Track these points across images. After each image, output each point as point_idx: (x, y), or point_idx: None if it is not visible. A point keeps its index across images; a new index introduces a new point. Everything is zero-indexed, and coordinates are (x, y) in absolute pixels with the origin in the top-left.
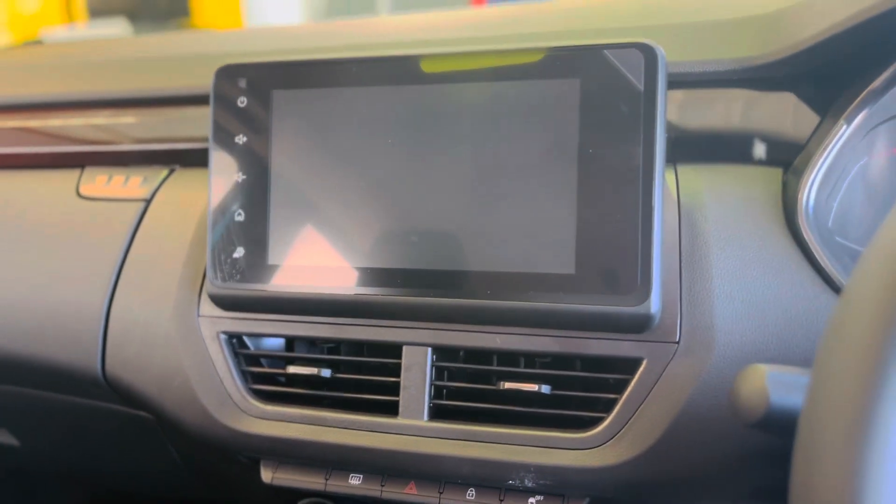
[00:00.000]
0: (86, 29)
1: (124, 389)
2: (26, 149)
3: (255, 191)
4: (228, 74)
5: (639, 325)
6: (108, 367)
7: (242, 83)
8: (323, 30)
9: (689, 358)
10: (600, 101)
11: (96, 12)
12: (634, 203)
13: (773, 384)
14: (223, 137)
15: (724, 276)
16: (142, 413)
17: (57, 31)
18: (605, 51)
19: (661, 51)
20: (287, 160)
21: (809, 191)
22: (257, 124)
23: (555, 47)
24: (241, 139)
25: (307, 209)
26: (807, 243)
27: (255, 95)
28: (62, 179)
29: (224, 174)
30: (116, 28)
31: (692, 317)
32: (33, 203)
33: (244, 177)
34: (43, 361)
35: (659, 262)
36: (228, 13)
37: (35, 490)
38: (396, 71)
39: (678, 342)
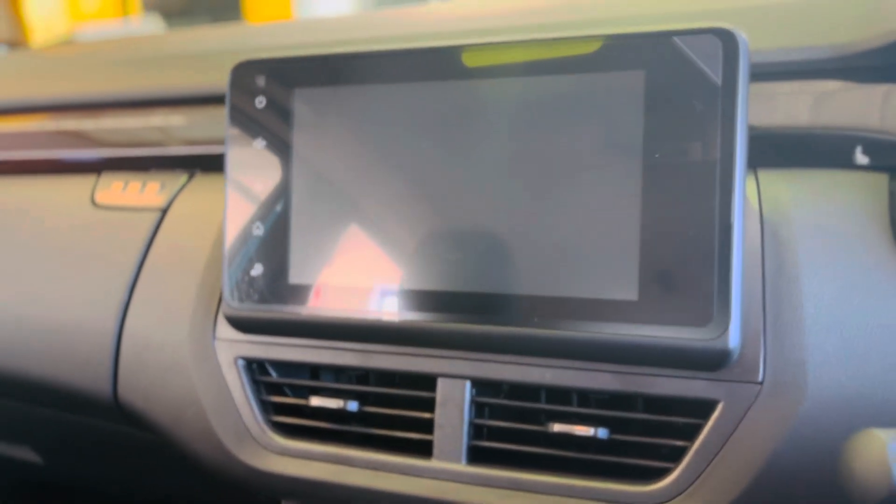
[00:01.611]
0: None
1: (137, 416)
2: (42, 153)
3: (275, 202)
4: (246, 71)
5: (715, 362)
6: (120, 392)
7: (261, 81)
8: (371, 20)
9: (774, 401)
10: (669, 97)
11: (151, 8)
12: (710, 216)
13: None
14: (240, 141)
15: (818, 304)
16: (159, 439)
17: (88, 29)
18: (675, 38)
19: (742, 37)
20: (310, 167)
21: None
22: (278, 127)
23: (616, 35)
24: (259, 143)
25: (333, 222)
26: None
27: (275, 94)
28: (78, 186)
29: (241, 183)
30: (150, 25)
31: (779, 352)
32: (47, 212)
33: (263, 186)
34: (56, 383)
35: (740, 286)
36: (279, 6)
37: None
38: (433, 65)
39: (761, 382)
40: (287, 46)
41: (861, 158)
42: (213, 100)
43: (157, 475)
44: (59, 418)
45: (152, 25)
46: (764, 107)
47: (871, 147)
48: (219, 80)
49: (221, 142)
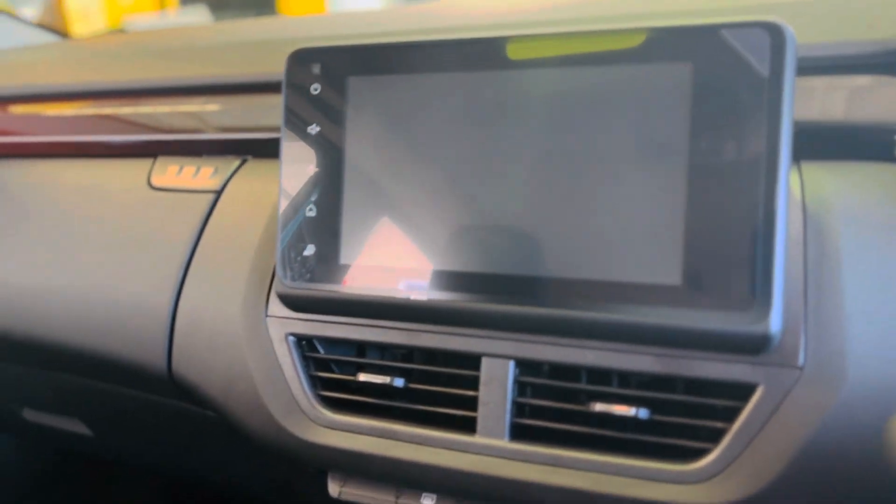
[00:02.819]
0: (168, 17)
1: (190, 389)
2: (101, 137)
3: (328, 185)
4: (301, 59)
5: (756, 346)
6: (174, 365)
7: (316, 69)
8: (406, 13)
9: (814, 387)
10: (716, 88)
11: (187, 1)
12: (754, 204)
13: None
14: (295, 127)
15: (860, 293)
16: (210, 413)
17: (140, 19)
18: (722, 30)
19: (790, 31)
20: (362, 152)
21: None
22: (332, 113)
23: (662, 28)
24: (314, 129)
25: (383, 205)
26: None
27: (329, 82)
28: (135, 169)
29: (295, 166)
30: (198, 16)
31: (819, 339)
32: (105, 193)
33: (317, 169)
34: (111, 357)
35: (782, 272)
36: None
37: (113, 477)
38: (480, 55)
39: (802, 367)
40: (335, 37)
41: None
42: (266, 87)
43: (201, 452)
44: (111, 392)
45: (199, 17)
46: (806, 100)
47: None
48: (270, 69)
49: (273, 129)
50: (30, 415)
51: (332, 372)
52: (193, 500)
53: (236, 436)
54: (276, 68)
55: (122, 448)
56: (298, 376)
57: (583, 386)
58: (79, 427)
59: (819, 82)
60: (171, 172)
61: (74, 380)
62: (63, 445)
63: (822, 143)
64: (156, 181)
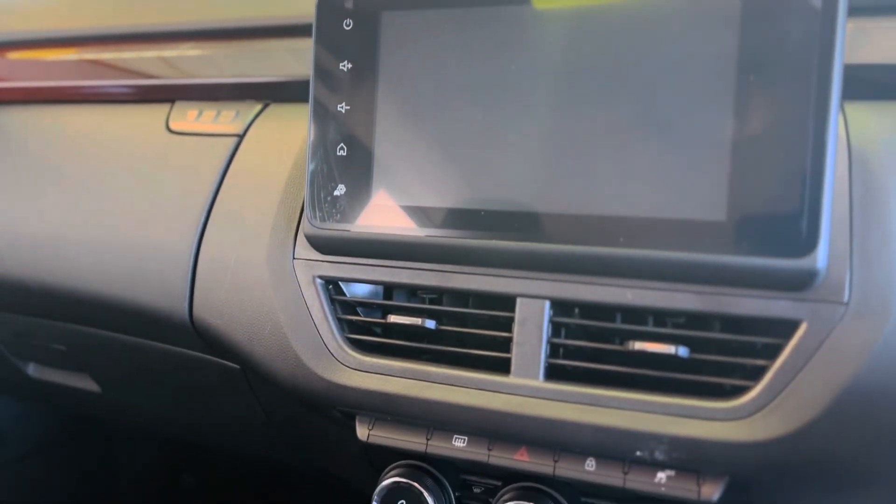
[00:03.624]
0: None
1: (212, 336)
2: (116, 82)
3: (360, 123)
4: None
5: (801, 281)
6: (195, 311)
7: (349, 3)
8: None
9: (859, 322)
10: (768, 18)
11: None
12: (803, 139)
13: None
14: (326, 63)
15: None
16: (228, 363)
17: None
18: None
19: None
20: (395, 90)
21: None
22: (364, 49)
23: None
24: (345, 66)
25: (416, 144)
26: None
27: (362, 17)
28: (151, 114)
29: (326, 104)
30: None
31: (865, 274)
32: (122, 138)
33: (348, 107)
34: (130, 303)
35: (830, 206)
36: None
37: (113, 442)
38: None
39: (847, 303)
40: None
41: None
42: (285, 31)
43: (211, 410)
44: (125, 344)
45: None
46: (851, 41)
47: None
48: (289, 13)
49: (294, 74)
50: (36, 371)
51: (360, 315)
52: (195, 465)
53: (252, 396)
54: (296, 11)
55: (129, 407)
56: (327, 319)
57: (618, 326)
58: (87, 383)
59: (864, 24)
60: (191, 117)
61: (87, 332)
62: (68, 404)
63: (866, 83)
64: (174, 125)
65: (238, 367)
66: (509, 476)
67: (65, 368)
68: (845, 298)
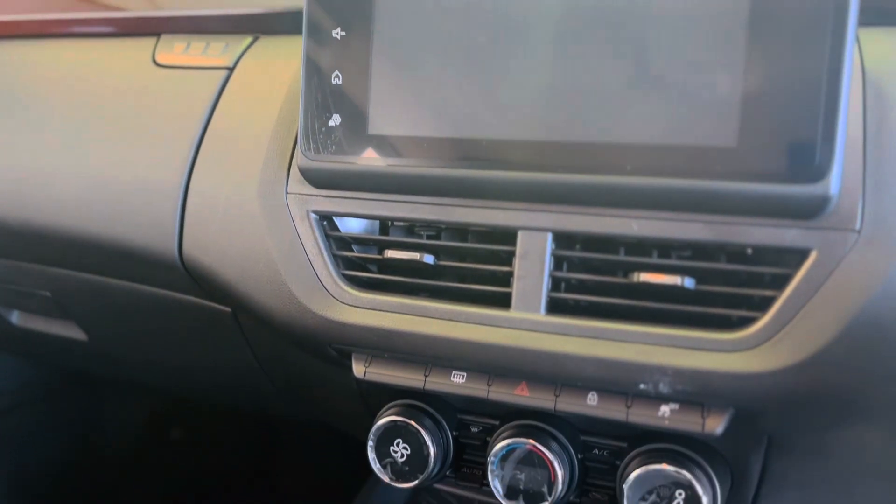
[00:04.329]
0: None
1: (202, 275)
2: (99, 15)
3: (355, 50)
4: None
5: (812, 209)
6: (185, 249)
7: None
8: None
9: (871, 250)
10: None
11: None
12: (818, 61)
13: None
14: None
15: None
16: (218, 306)
17: None
18: None
19: None
20: (393, 14)
21: None
22: None
23: None
24: None
25: (414, 71)
26: None
27: None
28: (137, 48)
29: (319, 30)
30: None
31: (878, 201)
32: (107, 72)
33: (343, 33)
34: (117, 242)
35: (844, 133)
36: None
37: (100, 398)
38: None
39: (858, 231)
40: None
41: None
42: None
43: (203, 360)
44: (112, 289)
45: None
46: None
47: None
48: None
49: (286, 5)
50: (20, 319)
51: (356, 252)
52: (185, 420)
53: (244, 340)
54: None
55: (116, 356)
56: (322, 255)
57: (622, 258)
58: (74, 331)
59: None
60: (178, 49)
61: (73, 276)
62: (53, 356)
63: (881, 10)
64: (161, 59)
65: (229, 310)
66: (507, 415)
67: (50, 315)
68: (857, 226)
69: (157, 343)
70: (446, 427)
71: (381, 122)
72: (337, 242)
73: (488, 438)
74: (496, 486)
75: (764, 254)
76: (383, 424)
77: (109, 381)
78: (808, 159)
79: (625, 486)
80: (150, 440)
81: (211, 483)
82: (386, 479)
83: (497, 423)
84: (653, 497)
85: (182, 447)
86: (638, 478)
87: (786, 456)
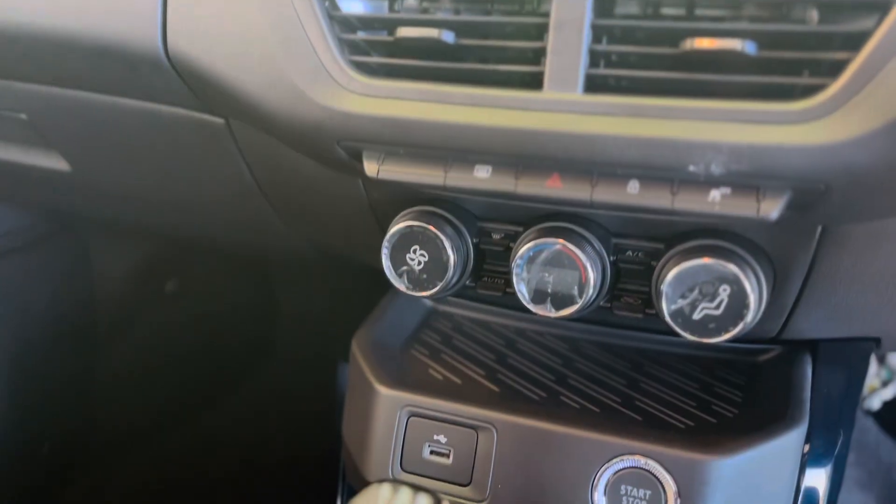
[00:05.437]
0: None
1: (191, 71)
2: None
3: None
4: None
5: None
6: (170, 40)
7: None
8: None
9: None
10: None
11: None
12: None
13: None
14: None
15: None
16: (209, 117)
17: None
18: None
19: None
20: None
21: None
22: None
23: None
24: None
25: None
26: None
27: None
28: None
29: None
30: None
31: None
32: None
33: None
34: (93, 39)
35: None
36: None
37: (89, 248)
38: None
39: None
40: None
41: None
42: None
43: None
44: (93, 105)
45: None
46: None
47: None
48: None
49: None
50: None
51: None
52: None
53: (240, 157)
54: None
55: (103, 188)
56: (325, 38)
57: (672, 25)
58: (55, 161)
59: None
60: None
61: (50, 93)
62: (34, 191)
63: None
64: None
65: (222, 120)
66: (531, 221)
67: (29, 144)
68: None
69: (145, 171)
70: (465, 233)
71: None
72: (341, 24)
73: (511, 245)
74: (521, 290)
75: (840, 8)
76: (399, 230)
77: (99, 224)
78: None
79: (663, 286)
80: (146, 292)
81: (206, 333)
82: (402, 287)
83: (521, 229)
84: (694, 294)
85: (178, 300)
86: (679, 273)
87: (838, 250)
